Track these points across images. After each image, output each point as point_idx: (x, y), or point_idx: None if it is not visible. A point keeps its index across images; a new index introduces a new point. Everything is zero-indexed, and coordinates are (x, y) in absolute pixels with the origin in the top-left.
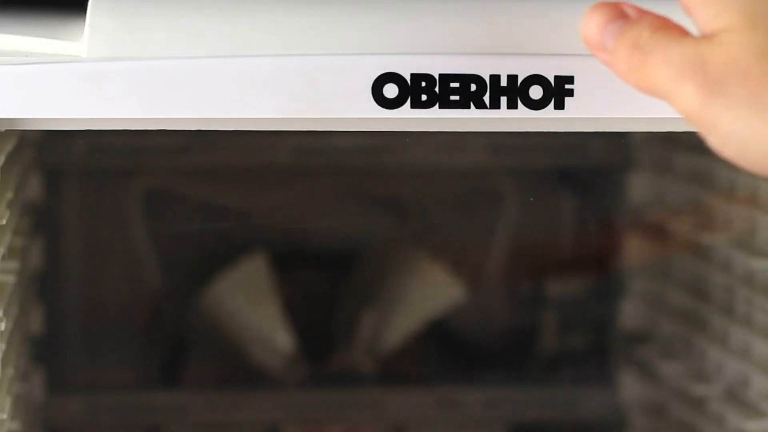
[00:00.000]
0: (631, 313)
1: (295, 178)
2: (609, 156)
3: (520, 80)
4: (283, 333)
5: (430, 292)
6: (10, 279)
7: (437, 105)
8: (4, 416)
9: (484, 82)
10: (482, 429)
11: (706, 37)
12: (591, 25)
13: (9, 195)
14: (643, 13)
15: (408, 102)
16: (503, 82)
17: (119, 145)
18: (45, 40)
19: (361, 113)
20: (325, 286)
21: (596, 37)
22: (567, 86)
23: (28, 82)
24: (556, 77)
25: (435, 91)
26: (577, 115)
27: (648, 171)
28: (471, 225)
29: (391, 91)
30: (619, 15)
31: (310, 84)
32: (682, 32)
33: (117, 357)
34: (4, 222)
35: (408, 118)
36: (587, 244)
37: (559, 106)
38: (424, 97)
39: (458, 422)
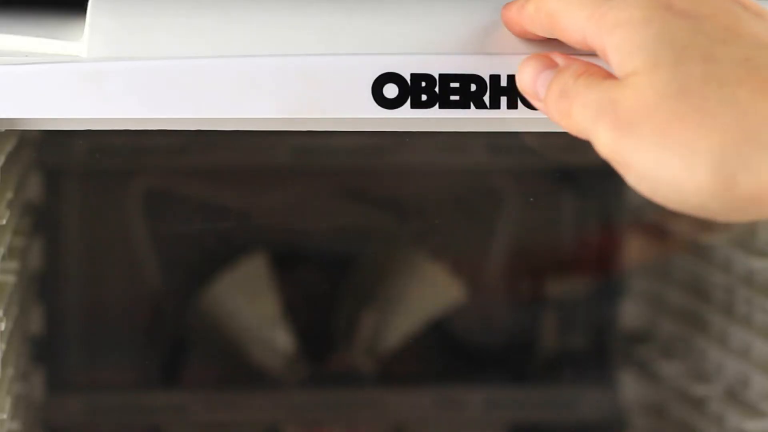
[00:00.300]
0: (631, 313)
1: (295, 178)
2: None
3: None
4: (283, 333)
5: (430, 292)
6: (10, 279)
7: (437, 105)
8: (4, 416)
9: (484, 82)
10: (482, 429)
11: (619, 81)
12: (523, 77)
13: (9, 195)
14: (571, 61)
15: (408, 102)
16: (503, 82)
17: (119, 145)
18: (45, 40)
19: (361, 113)
20: (325, 286)
21: (530, 87)
22: None
23: (28, 82)
24: None
25: (435, 91)
26: None
27: None
28: (471, 225)
29: (391, 91)
30: (549, 65)
31: (309, 84)
32: (604, 76)
33: (117, 357)
34: (4, 222)
35: (408, 118)
36: (587, 244)
37: None
38: (424, 97)
39: (458, 422)
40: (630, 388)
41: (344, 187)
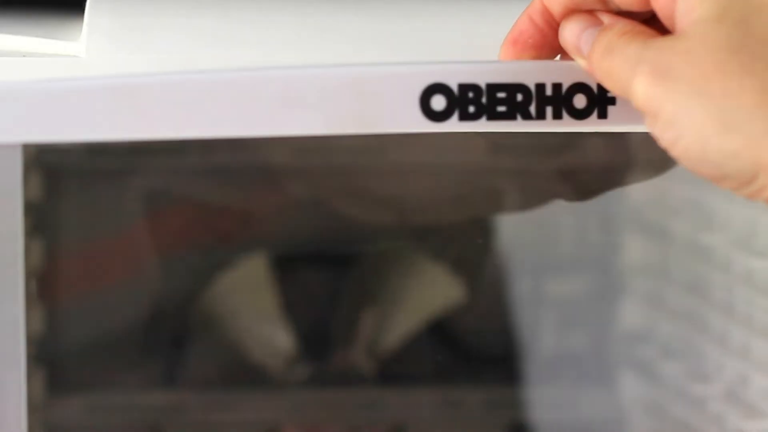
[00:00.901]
0: (631, 313)
1: (295, 178)
2: (609, 156)
3: (564, 89)
4: (283, 333)
5: (430, 292)
6: None
7: (485, 117)
8: None
9: (530, 91)
10: (482, 429)
11: (668, 35)
12: (567, 32)
13: None
14: (617, 20)
15: (456, 114)
16: (548, 91)
17: (119, 145)
18: (43, 40)
19: (409, 127)
20: (325, 286)
21: (573, 43)
22: (609, 94)
23: None
24: (599, 85)
25: (482, 103)
26: (620, 124)
27: (648, 171)
28: (471, 225)
29: (438, 102)
30: (594, 23)
31: (357, 97)
32: (651, 35)
33: (117, 357)
34: None
35: (456, 132)
36: (587, 244)
37: (602, 115)
38: (471, 109)
39: (458, 422)
40: (630, 388)
41: (344, 186)
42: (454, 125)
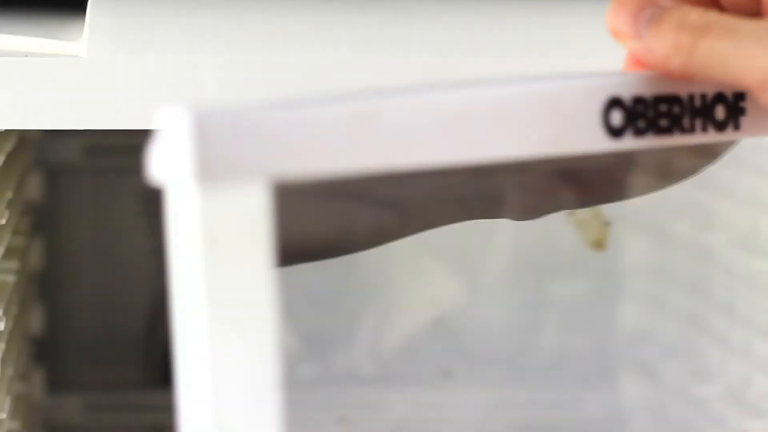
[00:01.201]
0: (631, 313)
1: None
2: (609, 156)
3: (708, 99)
4: (283, 333)
5: (430, 292)
6: (10, 279)
7: (652, 132)
8: (4, 416)
9: (683, 103)
10: (483, 429)
11: None
12: (622, 12)
13: (9, 195)
14: (683, 2)
15: (631, 130)
16: (697, 102)
17: (119, 144)
18: (44, 40)
19: (592, 146)
20: (326, 286)
21: (629, 24)
22: (740, 104)
23: (27, 81)
24: (734, 95)
25: (649, 117)
26: (752, 135)
27: (648, 171)
28: (471, 225)
29: (616, 118)
30: (651, 3)
31: (546, 115)
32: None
33: (117, 356)
34: (3, 222)
35: (631, 149)
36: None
37: (737, 126)
38: (641, 124)
39: (458, 422)
40: (630, 388)
41: (343, 186)
42: (630, 142)
